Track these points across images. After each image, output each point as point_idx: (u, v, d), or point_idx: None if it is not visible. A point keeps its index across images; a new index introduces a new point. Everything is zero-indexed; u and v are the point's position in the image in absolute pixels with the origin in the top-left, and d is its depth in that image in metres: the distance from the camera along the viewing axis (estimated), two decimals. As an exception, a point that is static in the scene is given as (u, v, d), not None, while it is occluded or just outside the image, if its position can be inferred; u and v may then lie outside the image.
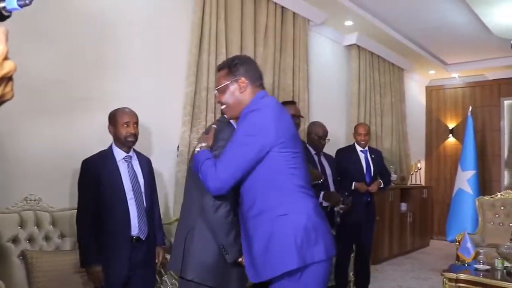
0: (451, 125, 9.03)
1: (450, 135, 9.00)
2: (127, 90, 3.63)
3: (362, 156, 4.63)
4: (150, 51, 3.87)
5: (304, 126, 5.33)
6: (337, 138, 5.30)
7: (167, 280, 3.37)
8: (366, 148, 4.67)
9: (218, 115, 4.28)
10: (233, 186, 1.92)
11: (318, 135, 4.14)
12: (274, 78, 4.98)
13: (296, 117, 3.64)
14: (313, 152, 4.17)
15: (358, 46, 6.62)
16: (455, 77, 8.83)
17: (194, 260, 2.10)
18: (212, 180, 1.89)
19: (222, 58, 4.35)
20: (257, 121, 1.92)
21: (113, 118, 2.84)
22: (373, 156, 4.68)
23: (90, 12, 3.42)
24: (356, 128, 4.75)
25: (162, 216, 3.17)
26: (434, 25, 6.25)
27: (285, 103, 3.70)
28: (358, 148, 4.66)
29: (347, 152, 4.69)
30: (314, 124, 4.28)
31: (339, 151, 4.74)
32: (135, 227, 2.74)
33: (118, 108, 2.88)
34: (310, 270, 1.84)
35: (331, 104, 6.26)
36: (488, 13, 5.57)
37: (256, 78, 2.11)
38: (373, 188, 4.46)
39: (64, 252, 2.96)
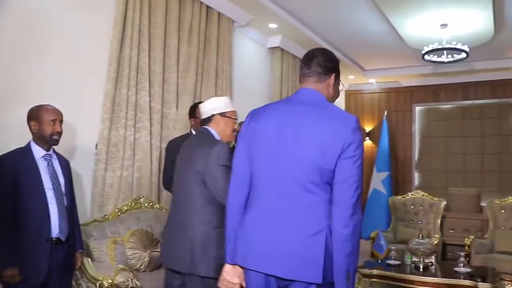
0: (368, 128, 9.44)
1: (367, 138, 9.40)
2: (45, 85, 3.47)
3: None
4: (69, 45, 3.71)
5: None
6: None
7: (83, 284, 3.25)
8: None
9: (140, 114, 4.20)
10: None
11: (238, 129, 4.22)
12: (197, 78, 4.94)
13: None
14: None
15: (282, 49, 6.73)
16: (372, 83, 9.25)
17: (206, 258, 2.40)
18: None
19: (145, 55, 4.26)
20: None
21: (37, 114, 2.69)
22: None
23: (7, 3, 3.22)
24: None
25: (79, 217, 3.05)
26: (355, 32, 6.52)
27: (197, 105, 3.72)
28: None
29: None
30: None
31: None
32: (56, 227, 2.65)
33: (41, 105, 2.73)
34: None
35: (254, 105, 6.25)
36: (403, 25, 5.90)
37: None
38: None
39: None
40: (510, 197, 5.83)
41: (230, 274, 1.95)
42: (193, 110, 3.73)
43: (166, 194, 4.44)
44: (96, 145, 3.90)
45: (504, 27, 6.11)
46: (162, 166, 4.13)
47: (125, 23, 4.07)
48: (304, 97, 1.94)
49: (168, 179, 3.49)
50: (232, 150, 2.33)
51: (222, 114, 2.67)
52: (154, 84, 4.42)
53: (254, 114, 1.99)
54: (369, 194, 7.34)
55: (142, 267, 3.67)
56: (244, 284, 1.93)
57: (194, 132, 3.68)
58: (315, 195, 1.79)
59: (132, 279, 3.17)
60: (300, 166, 1.80)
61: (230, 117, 2.70)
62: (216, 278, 2.21)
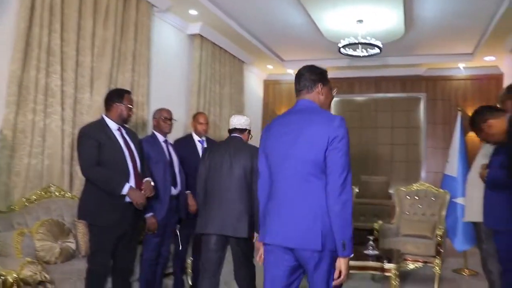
0: (285, 118, 9.63)
1: (284, 127, 9.59)
2: None
3: (199, 146, 4.63)
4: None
5: (142, 113, 5.22)
6: (176, 125, 5.20)
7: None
8: (204, 138, 4.70)
9: (51, 98, 4.00)
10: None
11: (163, 116, 4.14)
12: (113, 62, 4.76)
13: (129, 108, 3.52)
14: (161, 139, 4.11)
15: (201, 36, 6.66)
16: (290, 73, 9.43)
17: (244, 224, 3.45)
18: None
19: (57, 36, 4.04)
20: None
21: None
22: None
23: None
24: (196, 117, 4.73)
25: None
26: (275, 23, 6.60)
27: (119, 92, 3.55)
28: (196, 138, 4.66)
29: (184, 142, 4.66)
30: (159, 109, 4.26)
31: (177, 141, 4.68)
32: None
33: None
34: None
35: (172, 92, 6.21)
36: (321, 18, 6.06)
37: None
38: None
39: None
40: (414, 185, 6.22)
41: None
42: (119, 96, 3.49)
43: (79, 183, 4.25)
44: (1, 130, 3.64)
45: (414, 26, 6.48)
46: (76, 153, 3.94)
47: (34, 0, 3.82)
48: (300, 107, 2.48)
49: (90, 166, 3.29)
50: None
51: (249, 132, 3.81)
52: (66, 67, 4.20)
53: (266, 129, 2.56)
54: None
55: (52, 259, 3.51)
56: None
57: (108, 119, 3.46)
58: (313, 184, 2.27)
59: (40, 272, 3.01)
60: (298, 163, 2.29)
61: (250, 134, 3.85)
62: (251, 237, 3.44)
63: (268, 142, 2.48)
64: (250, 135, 3.85)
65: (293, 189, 2.31)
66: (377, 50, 6.24)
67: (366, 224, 6.77)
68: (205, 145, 4.65)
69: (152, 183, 3.54)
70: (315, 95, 2.47)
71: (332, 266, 2.25)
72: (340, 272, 2.23)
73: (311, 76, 2.50)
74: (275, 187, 2.41)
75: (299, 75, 2.52)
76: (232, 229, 3.43)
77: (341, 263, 2.23)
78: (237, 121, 3.73)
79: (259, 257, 2.53)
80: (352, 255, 2.24)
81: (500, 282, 3.31)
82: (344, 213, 2.19)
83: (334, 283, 2.27)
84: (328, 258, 2.25)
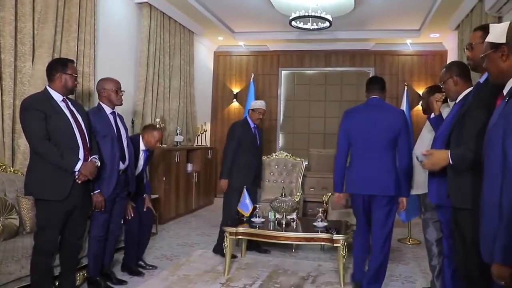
0: (235, 90, 9.58)
1: (234, 99, 9.55)
2: None
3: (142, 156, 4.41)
4: None
5: (88, 84, 5.03)
6: (125, 98, 4.99)
7: None
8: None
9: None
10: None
11: (115, 87, 3.86)
12: (56, 29, 4.53)
13: (74, 78, 3.35)
14: (109, 111, 3.86)
15: (150, 5, 6.46)
16: (241, 45, 9.34)
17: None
18: None
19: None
20: None
21: None
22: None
23: None
24: (151, 132, 4.40)
25: None
26: (225, -7, 6.47)
27: (62, 61, 3.36)
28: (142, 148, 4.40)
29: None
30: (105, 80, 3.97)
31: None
32: None
33: None
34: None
35: (119, 62, 6.01)
36: (272, -11, 5.99)
37: None
38: None
39: None
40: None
41: (340, 196, 3.90)
42: (62, 65, 3.28)
43: (21, 157, 4.07)
44: None
45: (363, 1, 6.54)
46: (18, 126, 3.74)
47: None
48: (374, 102, 3.74)
49: (40, 140, 3.08)
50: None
51: (260, 112, 5.17)
52: (4, 33, 3.97)
53: (347, 115, 3.79)
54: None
55: (-7, 236, 3.37)
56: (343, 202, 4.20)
57: (52, 90, 3.25)
58: (387, 153, 3.60)
59: (-19, 250, 2.89)
60: (378, 139, 3.59)
61: (260, 113, 5.18)
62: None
63: (349, 126, 3.71)
64: (259, 113, 5.12)
65: (374, 157, 3.59)
66: (327, 24, 6.26)
67: (316, 196, 6.91)
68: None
69: (98, 163, 3.42)
70: (383, 96, 3.77)
71: (392, 206, 3.62)
72: (400, 205, 3.69)
73: (383, 83, 3.80)
74: (357, 156, 3.68)
75: (375, 80, 3.81)
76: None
77: (404, 200, 3.67)
78: (250, 105, 5.45)
79: (336, 201, 3.96)
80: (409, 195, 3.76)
81: (437, 249, 3.56)
82: (410, 172, 3.67)
83: (398, 209, 3.69)
84: (393, 201, 3.60)
